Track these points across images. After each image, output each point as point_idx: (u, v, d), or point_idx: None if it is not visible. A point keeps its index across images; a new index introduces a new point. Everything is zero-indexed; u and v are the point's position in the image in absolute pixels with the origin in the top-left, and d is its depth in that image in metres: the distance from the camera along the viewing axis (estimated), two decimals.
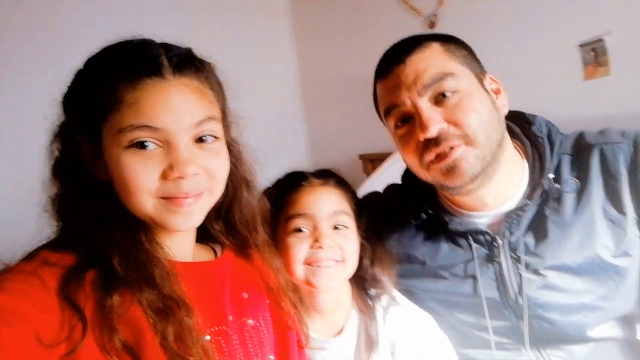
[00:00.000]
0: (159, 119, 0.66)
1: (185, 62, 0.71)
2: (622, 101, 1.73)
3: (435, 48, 0.96)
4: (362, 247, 1.02)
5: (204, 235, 0.86)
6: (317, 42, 2.79)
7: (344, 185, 1.02)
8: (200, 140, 0.71)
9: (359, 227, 1.01)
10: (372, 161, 2.50)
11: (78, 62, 0.72)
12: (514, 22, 2.01)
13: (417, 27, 2.27)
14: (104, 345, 0.61)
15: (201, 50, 0.77)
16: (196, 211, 0.72)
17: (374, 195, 1.27)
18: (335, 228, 0.96)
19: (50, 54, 1.76)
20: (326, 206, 0.95)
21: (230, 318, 0.77)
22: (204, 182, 0.72)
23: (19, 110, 1.64)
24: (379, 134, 2.36)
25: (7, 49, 1.66)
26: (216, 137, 0.73)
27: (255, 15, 2.64)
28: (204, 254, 0.84)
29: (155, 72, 0.67)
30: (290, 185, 0.99)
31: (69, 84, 0.72)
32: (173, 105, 0.67)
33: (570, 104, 1.83)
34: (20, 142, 1.47)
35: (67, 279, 0.62)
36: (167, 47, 0.71)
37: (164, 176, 0.68)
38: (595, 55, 1.82)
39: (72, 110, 0.72)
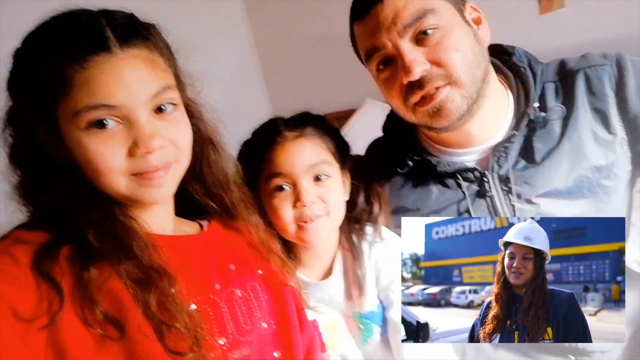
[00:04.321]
0: (113, 97, 0.64)
1: (131, 32, 0.68)
2: (577, 31, 1.74)
3: None
4: (354, 187, 1.01)
5: (191, 211, 0.86)
6: (267, 2, 2.71)
7: (323, 128, 0.99)
8: (159, 110, 0.69)
9: (344, 168, 1.00)
10: (338, 119, 2.46)
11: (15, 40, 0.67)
12: None
13: None
14: (86, 318, 0.61)
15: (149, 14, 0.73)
16: (168, 182, 0.72)
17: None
18: (317, 179, 0.95)
19: None
20: (303, 160, 0.93)
21: (218, 287, 0.77)
22: (171, 153, 0.71)
23: None
24: (341, 92, 2.35)
25: None
26: (175, 105, 0.72)
27: None
28: (187, 229, 0.84)
29: (102, 47, 0.64)
30: (265, 142, 0.96)
31: (10, 66, 0.68)
32: (126, 80, 0.65)
33: (528, 39, 1.82)
34: None
35: (40, 254, 0.62)
36: (108, 17, 0.67)
37: (131, 153, 0.67)
38: None
39: (20, 94, 0.68)
